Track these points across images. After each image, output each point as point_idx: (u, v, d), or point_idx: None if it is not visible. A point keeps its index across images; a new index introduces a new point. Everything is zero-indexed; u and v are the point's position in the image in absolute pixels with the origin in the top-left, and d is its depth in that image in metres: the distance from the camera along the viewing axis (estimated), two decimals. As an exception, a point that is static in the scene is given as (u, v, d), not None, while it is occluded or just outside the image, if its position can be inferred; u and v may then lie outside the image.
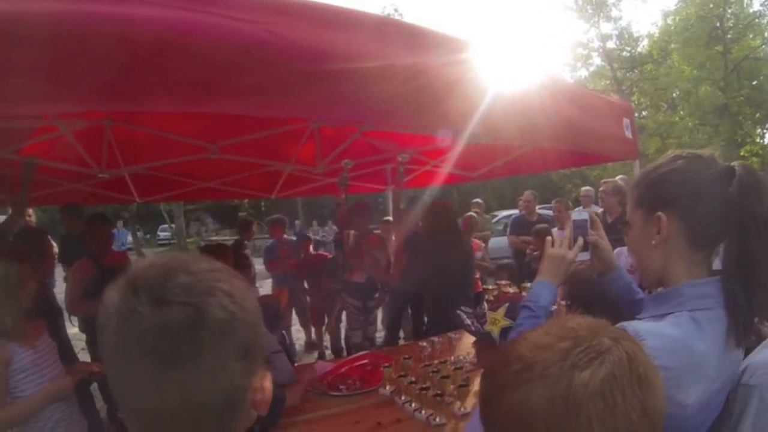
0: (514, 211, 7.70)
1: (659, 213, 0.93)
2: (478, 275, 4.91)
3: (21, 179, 2.79)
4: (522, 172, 4.44)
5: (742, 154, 16.93)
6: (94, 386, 2.86)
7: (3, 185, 3.18)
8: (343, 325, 4.96)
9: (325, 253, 6.01)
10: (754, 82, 19.10)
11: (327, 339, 5.46)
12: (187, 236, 22.78)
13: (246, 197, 7.19)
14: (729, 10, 19.19)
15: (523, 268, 4.82)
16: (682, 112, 20.45)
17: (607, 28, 22.55)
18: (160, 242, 26.68)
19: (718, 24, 19.06)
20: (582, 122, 2.40)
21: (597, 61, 23.68)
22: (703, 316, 0.86)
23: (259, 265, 5.80)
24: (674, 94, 21.19)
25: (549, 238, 1.30)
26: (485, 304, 1.83)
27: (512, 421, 0.56)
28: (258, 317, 0.59)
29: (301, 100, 1.52)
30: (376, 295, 4.11)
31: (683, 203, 0.91)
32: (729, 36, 19.28)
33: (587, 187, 6.15)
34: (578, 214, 1.29)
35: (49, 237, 3.45)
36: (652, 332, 0.82)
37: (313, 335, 5.71)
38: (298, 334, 6.03)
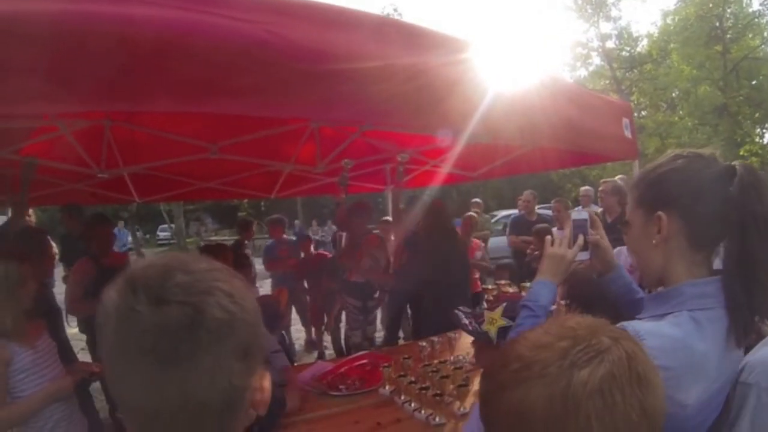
0: (514, 211, 7.70)
1: (659, 212, 0.92)
2: (477, 275, 4.91)
3: (21, 179, 2.78)
4: (521, 172, 4.45)
5: (741, 153, 16.94)
6: (95, 386, 2.86)
7: (3, 185, 3.18)
8: (342, 325, 4.96)
9: (325, 253, 6.01)
10: (754, 82, 19.11)
11: (327, 339, 5.46)
12: (186, 236, 22.77)
13: (245, 197, 7.19)
14: (728, 10, 19.21)
15: (523, 268, 4.82)
16: (681, 112, 20.46)
17: (606, 27, 22.61)
18: (159, 242, 26.66)
19: (717, 24, 19.08)
20: (581, 122, 2.40)
21: (596, 60, 23.73)
22: (704, 316, 0.86)
23: (259, 265, 5.81)
24: (673, 94, 21.21)
25: (548, 237, 1.30)
26: (485, 304, 1.83)
27: (512, 420, 0.56)
28: (258, 317, 0.59)
29: (301, 100, 1.52)
30: (376, 295, 4.11)
31: (684, 203, 0.91)
32: (728, 36, 19.29)
33: (586, 187, 6.16)
34: (578, 213, 1.29)
35: (49, 237, 3.44)
36: (652, 332, 0.82)
37: (313, 335, 5.71)
38: (298, 333, 6.03)
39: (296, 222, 19.28)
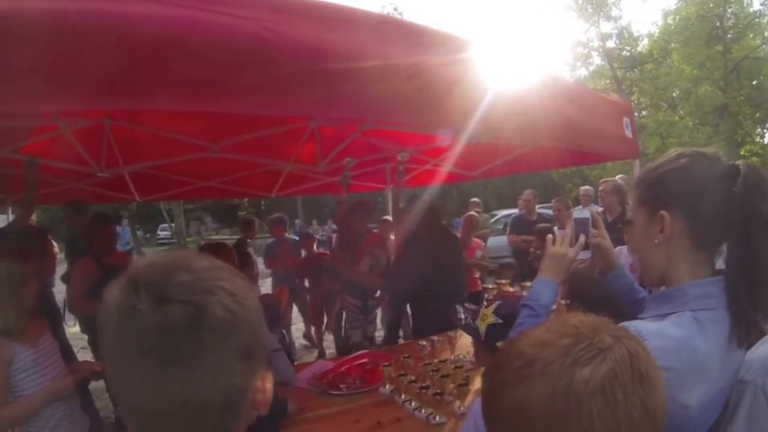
0: (514, 211, 7.69)
1: (662, 212, 0.92)
2: (477, 274, 4.91)
3: (27, 178, 2.79)
4: (522, 171, 4.45)
5: (742, 153, 16.93)
6: (96, 385, 2.86)
7: (3, 184, 3.18)
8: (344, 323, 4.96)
9: (326, 252, 6.01)
10: (754, 82, 19.11)
11: (328, 338, 5.46)
12: (187, 235, 22.77)
13: (246, 196, 7.19)
14: (729, 10, 19.19)
15: (524, 268, 4.82)
16: (682, 112, 20.45)
17: (607, 27, 22.59)
18: (160, 241, 26.64)
19: (718, 23, 19.06)
20: (582, 121, 2.40)
21: (597, 60, 23.71)
22: (706, 316, 0.85)
23: (260, 264, 5.82)
24: (674, 94, 21.19)
25: (550, 236, 1.30)
26: (485, 303, 1.83)
27: (513, 418, 0.56)
28: (260, 317, 0.59)
29: (301, 99, 1.52)
30: (377, 294, 4.11)
31: (687, 202, 0.90)
32: (729, 35, 19.28)
33: (587, 187, 6.15)
34: (580, 212, 1.29)
35: (49, 236, 3.45)
36: (655, 332, 0.81)
37: (313, 333, 5.72)
38: (299, 333, 6.04)
39: (297, 221, 19.29)
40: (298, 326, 5.90)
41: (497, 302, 1.52)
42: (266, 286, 6.51)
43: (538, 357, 0.57)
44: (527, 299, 1.24)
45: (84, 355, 3.74)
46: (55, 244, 3.84)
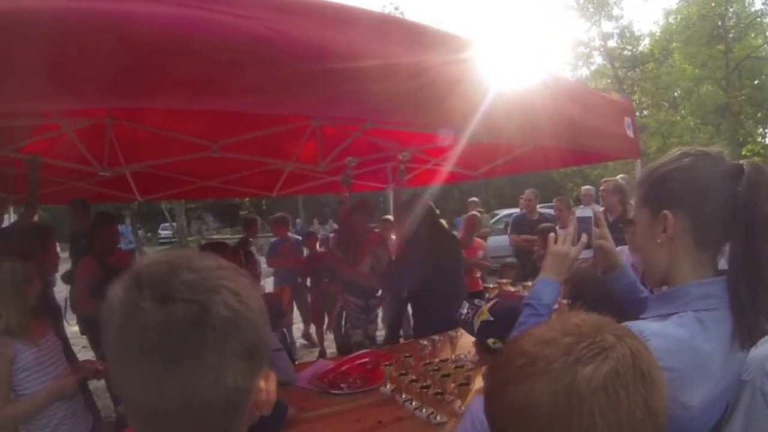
0: (515, 210, 7.69)
1: (665, 211, 0.91)
2: (478, 274, 4.92)
3: (30, 178, 2.79)
4: (523, 171, 4.44)
5: (743, 153, 16.89)
6: (98, 384, 2.87)
7: (4, 183, 3.18)
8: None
9: (327, 251, 6.01)
10: (756, 82, 19.06)
11: (328, 337, 5.46)
12: (188, 235, 22.80)
13: (247, 195, 7.20)
14: (731, 9, 19.15)
15: (526, 267, 4.82)
16: (683, 111, 20.42)
17: (608, 26, 22.53)
18: (161, 241, 26.65)
19: (719, 23, 19.02)
20: (583, 121, 2.40)
21: (598, 59, 23.66)
22: (708, 317, 0.85)
23: (263, 263, 5.83)
24: (676, 93, 21.15)
25: (552, 234, 1.30)
26: (484, 301, 1.84)
27: (516, 416, 0.56)
28: (264, 316, 0.59)
29: (302, 98, 1.52)
30: (378, 294, 4.11)
31: (690, 201, 0.89)
32: (731, 35, 19.24)
33: (588, 186, 6.15)
34: (582, 211, 1.28)
35: (53, 234, 3.44)
36: (657, 333, 0.81)
37: (312, 333, 5.72)
38: (299, 332, 6.04)
39: (298, 221, 19.29)
40: (298, 326, 5.91)
41: (493, 300, 1.54)
42: (268, 285, 6.51)
43: (540, 355, 0.57)
44: (529, 298, 1.24)
45: (85, 354, 3.74)
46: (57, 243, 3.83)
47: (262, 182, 4.74)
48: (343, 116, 2.56)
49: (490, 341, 1.43)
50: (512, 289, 2.87)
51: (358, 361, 2.62)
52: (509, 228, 6.02)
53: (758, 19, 19.16)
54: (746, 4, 19.35)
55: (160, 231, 27.85)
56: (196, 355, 0.51)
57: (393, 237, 4.45)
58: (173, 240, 23.34)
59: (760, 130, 19.74)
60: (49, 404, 1.82)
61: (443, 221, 4.17)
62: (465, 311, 1.55)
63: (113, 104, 1.94)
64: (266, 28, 1.36)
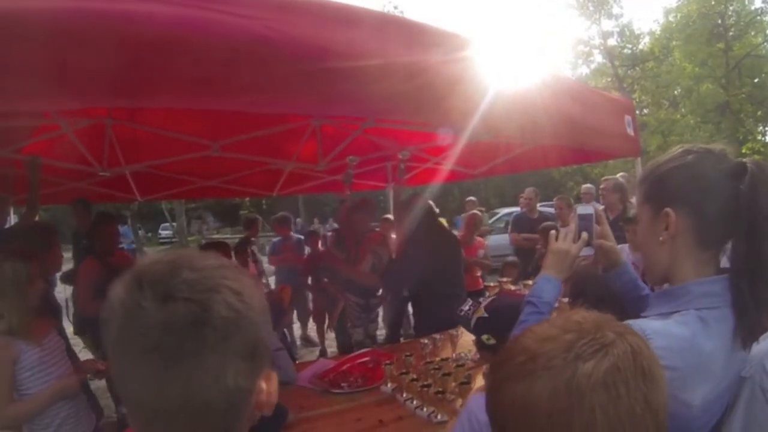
0: (515, 209, 7.69)
1: (667, 209, 0.90)
2: (479, 273, 4.92)
3: (30, 179, 2.79)
4: (523, 170, 4.44)
5: (743, 151, 16.86)
6: (99, 385, 2.87)
7: (5, 184, 3.18)
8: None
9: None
10: (756, 80, 19.04)
11: (329, 336, 5.47)
12: (188, 235, 22.80)
13: (247, 195, 7.20)
14: (730, 7, 19.12)
15: (527, 266, 4.82)
16: (683, 110, 20.39)
17: (608, 25, 22.50)
18: (161, 241, 26.66)
19: (719, 21, 18.99)
20: (583, 119, 2.39)
21: (598, 58, 23.66)
22: (710, 315, 0.84)
23: (264, 262, 5.84)
24: (676, 92, 21.13)
25: (553, 232, 1.29)
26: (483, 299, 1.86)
27: (516, 413, 0.56)
28: (265, 316, 0.58)
29: (302, 97, 1.52)
30: (378, 293, 4.11)
31: (692, 199, 0.89)
32: (730, 33, 19.21)
33: (588, 185, 6.16)
34: (584, 208, 1.28)
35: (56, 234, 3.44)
36: (659, 331, 0.81)
37: (311, 333, 5.73)
38: (300, 332, 6.05)
39: (298, 220, 19.30)
40: (298, 325, 5.91)
41: (491, 297, 1.57)
42: (272, 284, 6.52)
43: (541, 352, 0.57)
44: (530, 296, 1.24)
45: (86, 354, 3.74)
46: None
47: (263, 182, 4.74)
48: (342, 115, 2.56)
49: (484, 337, 1.45)
50: (513, 287, 2.88)
51: (359, 360, 2.63)
52: (509, 227, 6.03)
53: (758, 17, 19.14)
54: (746, 3, 19.33)
55: (160, 231, 27.85)
56: (196, 354, 0.51)
57: (393, 236, 4.44)
58: (173, 240, 23.34)
59: (760, 128, 19.72)
60: (52, 404, 1.82)
61: (443, 220, 4.18)
62: (466, 308, 1.56)
63: (113, 104, 1.94)
64: (266, 27, 1.36)
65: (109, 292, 0.54)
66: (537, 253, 4.68)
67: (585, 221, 1.25)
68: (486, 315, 1.48)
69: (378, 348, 3.17)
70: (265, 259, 5.91)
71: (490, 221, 10.63)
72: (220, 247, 3.49)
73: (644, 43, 22.75)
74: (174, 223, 22.73)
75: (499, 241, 8.35)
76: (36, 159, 2.79)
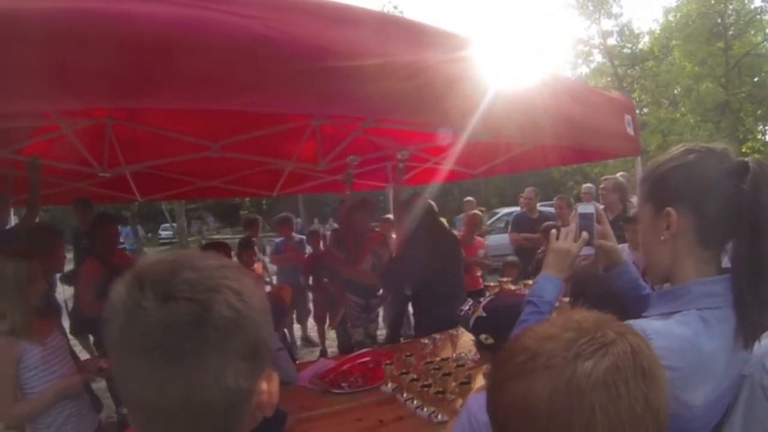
0: (515, 209, 7.69)
1: (669, 208, 0.90)
2: (479, 273, 4.92)
3: (30, 180, 2.79)
4: (523, 170, 4.44)
5: (743, 150, 16.85)
6: (100, 385, 2.86)
7: (5, 184, 3.18)
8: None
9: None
10: (756, 79, 19.01)
11: (330, 336, 5.47)
12: (188, 235, 22.80)
13: (247, 195, 7.19)
14: (730, 7, 19.10)
15: (527, 266, 4.82)
16: (683, 109, 20.37)
17: (608, 24, 22.48)
18: (161, 241, 26.65)
19: (719, 20, 18.98)
20: (583, 119, 2.39)
21: (598, 58, 23.63)
22: (712, 315, 0.84)
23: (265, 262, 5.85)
24: (675, 91, 21.11)
25: (553, 231, 1.29)
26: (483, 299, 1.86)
27: (517, 412, 0.56)
28: (267, 316, 0.58)
29: (302, 96, 1.52)
30: (379, 293, 4.11)
31: (694, 199, 0.88)
32: (730, 32, 19.20)
33: (588, 184, 6.15)
34: (584, 207, 1.28)
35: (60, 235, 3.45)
36: (660, 331, 0.80)
37: (310, 332, 5.72)
38: (300, 332, 6.05)
39: (298, 220, 19.29)
40: (299, 325, 5.91)
41: (490, 297, 1.58)
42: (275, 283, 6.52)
43: (541, 351, 0.57)
44: (531, 296, 1.23)
45: (83, 355, 3.74)
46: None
47: (263, 182, 4.74)
48: (342, 115, 2.56)
49: (483, 337, 1.45)
50: (513, 287, 2.88)
51: (359, 360, 2.63)
52: (510, 227, 6.03)
53: (758, 16, 19.11)
54: (746, 2, 19.30)
55: (160, 231, 27.83)
56: (197, 354, 0.51)
57: (393, 236, 4.44)
58: (174, 240, 23.33)
59: (760, 127, 19.69)
60: (55, 403, 1.83)
61: (443, 220, 4.17)
62: (466, 308, 1.57)
63: (113, 104, 1.94)
64: (266, 27, 1.36)
65: (111, 292, 0.54)
66: (538, 254, 4.68)
67: (586, 220, 1.25)
68: (484, 314, 1.48)
69: (378, 348, 3.17)
70: (266, 260, 5.92)
71: (490, 221, 10.65)
72: (220, 247, 3.49)
73: (644, 42, 22.74)
74: (174, 224, 22.73)
75: (499, 240, 8.35)
76: (36, 160, 2.79)
